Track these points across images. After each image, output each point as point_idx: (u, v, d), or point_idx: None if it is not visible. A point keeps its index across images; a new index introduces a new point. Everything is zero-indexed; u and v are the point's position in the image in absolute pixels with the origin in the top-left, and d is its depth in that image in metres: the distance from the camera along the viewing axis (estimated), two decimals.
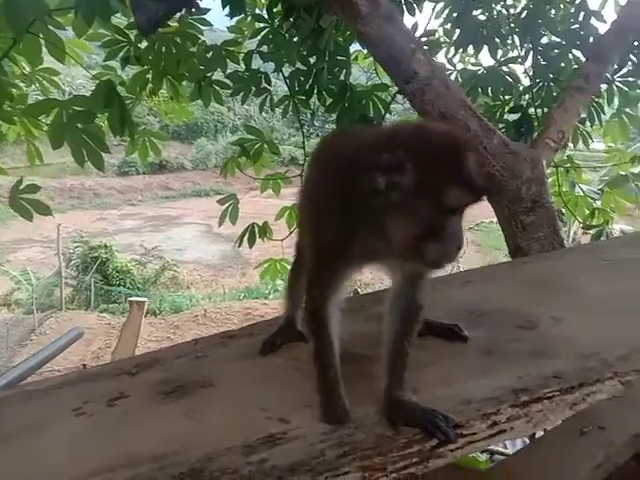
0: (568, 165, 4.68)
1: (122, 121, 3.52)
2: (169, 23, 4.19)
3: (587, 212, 4.59)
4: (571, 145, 4.60)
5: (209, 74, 4.51)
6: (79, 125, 3.19)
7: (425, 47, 4.04)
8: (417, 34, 3.91)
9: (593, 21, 4.06)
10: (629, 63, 4.11)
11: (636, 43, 3.93)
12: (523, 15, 4.24)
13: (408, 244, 1.01)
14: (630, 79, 4.20)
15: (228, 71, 4.43)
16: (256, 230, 4.65)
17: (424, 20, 4.41)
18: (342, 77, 4.39)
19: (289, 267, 5.79)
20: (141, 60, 4.38)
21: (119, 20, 4.20)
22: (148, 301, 12.71)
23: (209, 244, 23.26)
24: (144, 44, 4.30)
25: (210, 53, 4.33)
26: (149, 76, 4.55)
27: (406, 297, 1.16)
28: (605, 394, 1.08)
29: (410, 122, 1.18)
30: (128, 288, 16.96)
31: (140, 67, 4.50)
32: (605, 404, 1.70)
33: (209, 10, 4.38)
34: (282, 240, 4.87)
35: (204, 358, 1.32)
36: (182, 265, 20.04)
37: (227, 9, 4.01)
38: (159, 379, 1.23)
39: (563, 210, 4.57)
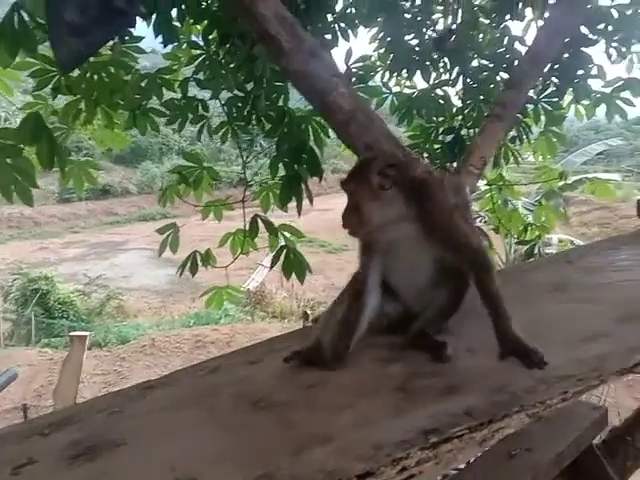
0: (500, 183, 4.86)
1: (51, 155, 3.42)
2: (100, 52, 4.11)
3: (520, 227, 4.79)
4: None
5: (144, 102, 4.44)
6: (7, 160, 3.08)
7: (361, 72, 4.15)
8: (352, 59, 3.99)
9: (517, 45, 4.29)
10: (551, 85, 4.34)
11: (556, 66, 4.16)
12: (451, 40, 4.41)
13: None
14: (554, 99, 4.43)
15: (164, 99, 4.38)
16: (198, 258, 4.55)
17: (359, 44, 4.51)
18: (280, 103, 4.40)
19: (236, 294, 5.58)
20: (73, 90, 4.27)
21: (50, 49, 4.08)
22: (91, 334, 12.22)
23: (156, 269, 22.63)
24: (76, 72, 4.19)
25: (145, 81, 4.27)
26: (82, 106, 4.44)
27: None
28: (513, 428, 1.11)
29: None
30: (71, 320, 16.32)
31: (72, 96, 4.38)
32: (531, 426, 1.75)
33: (143, 38, 4.33)
34: (226, 267, 4.79)
35: (120, 413, 1.27)
36: (128, 293, 19.47)
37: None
38: (70, 440, 1.17)
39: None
